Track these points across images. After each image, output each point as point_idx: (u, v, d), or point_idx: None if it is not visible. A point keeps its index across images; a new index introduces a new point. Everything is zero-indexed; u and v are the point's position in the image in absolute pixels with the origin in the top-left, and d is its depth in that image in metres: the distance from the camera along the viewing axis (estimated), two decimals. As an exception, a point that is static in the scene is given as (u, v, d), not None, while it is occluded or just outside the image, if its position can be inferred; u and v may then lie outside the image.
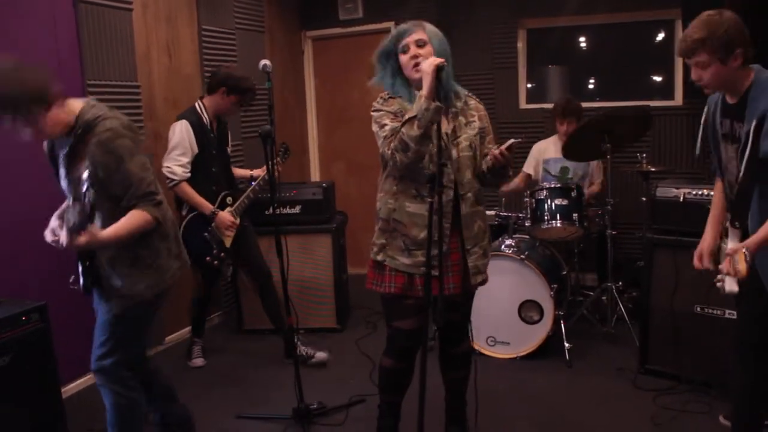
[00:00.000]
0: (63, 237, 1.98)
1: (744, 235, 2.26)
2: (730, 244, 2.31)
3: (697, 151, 2.60)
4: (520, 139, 2.38)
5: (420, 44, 2.38)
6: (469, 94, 2.58)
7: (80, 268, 2.34)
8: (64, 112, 2.24)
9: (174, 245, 2.48)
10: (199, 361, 3.93)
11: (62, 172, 2.37)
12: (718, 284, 2.47)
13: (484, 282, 2.63)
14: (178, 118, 3.63)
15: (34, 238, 3.26)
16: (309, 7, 5.89)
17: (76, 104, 2.29)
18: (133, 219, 2.21)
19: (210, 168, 3.68)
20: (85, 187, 2.16)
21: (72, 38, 3.50)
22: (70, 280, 2.44)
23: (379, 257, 2.53)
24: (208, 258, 3.62)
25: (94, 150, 2.19)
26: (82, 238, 2.01)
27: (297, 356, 3.10)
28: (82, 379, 3.62)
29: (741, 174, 2.23)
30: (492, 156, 2.36)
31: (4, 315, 2.65)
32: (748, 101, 2.20)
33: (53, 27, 3.39)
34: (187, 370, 3.85)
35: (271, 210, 3.03)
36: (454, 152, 2.43)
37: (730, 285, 2.33)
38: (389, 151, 2.35)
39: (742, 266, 2.00)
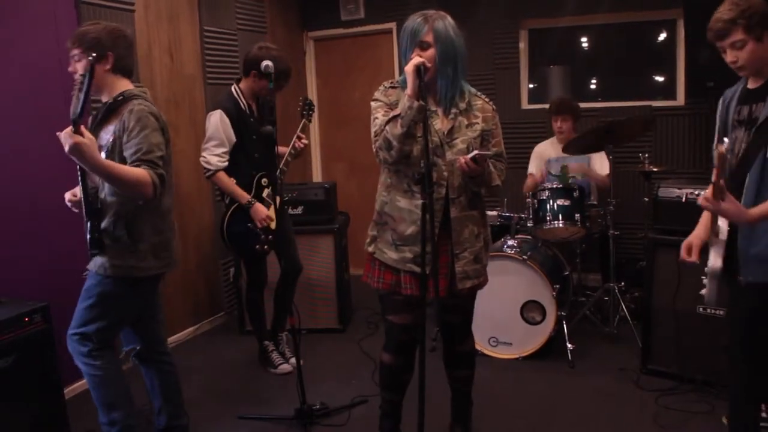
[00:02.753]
0: (63, 134, 2.11)
1: None
2: (721, 223, 2.31)
3: (716, 137, 2.57)
4: (488, 152, 2.37)
5: (423, 47, 2.35)
6: (478, 94, 2.53)
7: (88, 226, 2.42)
8: (111, 79, 2.45)
9: (161, 245, 2.53)
10: (287, 367, 3.76)
11: None
12: (702, 291, 2.47)
13: (480, 286, 2.61)
14: (213, 107, 3.55)
15: (36, 238, 3.29)
16: (310, 8, 5.89)
17: (129, 84, 2.50)
18: (134, 170, 2.28)
19: (252, 154, 3.54)
20: (107, 149, 2.37)
21: (74, 39, 3.50)
22: (83, 274, 2.53)
23: (370, 248, 2.58)
24: (257, 246, 3.53)
25: (126, 115, 2.36)
26: (86, 138, 2.12)
27: (298, 358, 3.09)
28: (84, 380, 3.61)
29: (745, 147, 2.21)
30: (459, 165, 2.34)
31: (7, 316, 2.65)
32: None
33: (54, 28, 3.39)
34: (188, 371, 3.84)
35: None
36: (448, 153, 2.41)
37: (715, 261, 2.33)
38: (375, 149, 2.40)
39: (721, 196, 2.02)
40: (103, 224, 2.41)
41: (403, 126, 2.26)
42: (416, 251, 2.43)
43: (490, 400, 3.21)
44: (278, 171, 3.55)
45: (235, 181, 3.51)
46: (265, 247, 3.57)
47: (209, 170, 3.48)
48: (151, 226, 2.47)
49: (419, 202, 2.33)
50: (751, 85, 2.32)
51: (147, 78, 4.06)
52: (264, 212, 3.53)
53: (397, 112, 2.29)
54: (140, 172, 2.27)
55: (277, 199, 3.60)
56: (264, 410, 3.29)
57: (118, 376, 2.61)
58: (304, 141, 3.72)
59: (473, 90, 2.52)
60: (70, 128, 2.10)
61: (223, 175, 3.49)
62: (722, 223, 2.32)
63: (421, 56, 2.32)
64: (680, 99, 4.92)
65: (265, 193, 3.61)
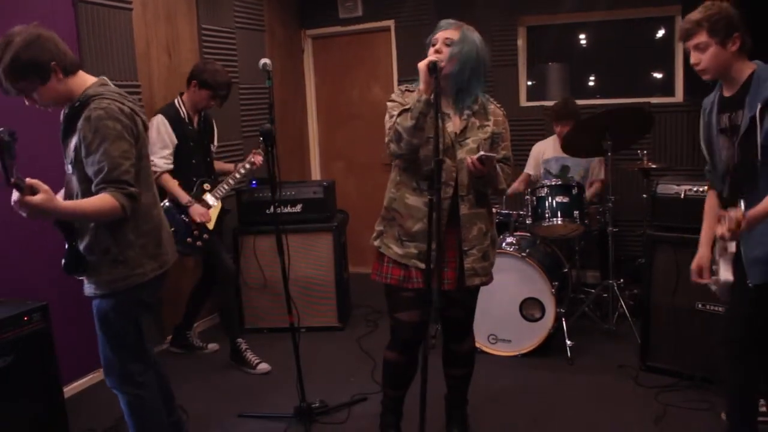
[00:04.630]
0: (14, 196, 1.90)
1: None
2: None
3: (702, 144, 2.58)
4: (494, 155, 2.38)
5: (447, 43, 2.38)
6: (490, 99, 2.58)
7: (66, 246, 2.32)
8: (66, 85, 2.23)
9: (152, 244, 2.38)
10: (265, 366, 3.80)
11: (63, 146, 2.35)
12: (713, 287, 2.49)
13: (485, 283, 2.63)
14: (155, 113, 3.72)
15: (35, 238, 3.29)
16: (309, 6, 5.88)
17: (88, 80, 2.29)
18: (98, 200, 2.12)
19: (190, 159, 3.75)
20: (71, 160, 2.22)
21: (71, 38, 3.49)
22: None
23: (376, 243, 2.61)
24: (189, 239, 3.69)
25: (83, 124, 2.17)
26: (37, 197, 1.92)
27: (298, 356, 3.09)
28: (83, 379, 3.62)
29: (739, 159, 2.24)
30: (466, 164, 2.38)
31: (6, 315, 2.65)
32: (750, 89, 2.22)
33: (53, 27, 3.33)
34: (186, 370, 3.84)
35: (272, 209, 3.03)
36: (459, 153, 2.44)
37: (725, 275, 2.35)
38: (386, 141, 2.42)
39: (734, 228, 2.04)
40: (86, 241, 2.28)
41: (413, 118, 2.29)
42: (421, 248, 2.46)
43: (489, 397, 3.22)
44: (225, 180, 3.84)
45: (177, 183, 3.71)
46: (198, 242, 3.70)
47: (156, 172, 3.56)
48: (134, 229, 2.31)
49: (428, 199, 2.36)
50: (726, 93, 2.34)
51: (145, 76, 4.06)
52: (201, 210, 3.72)
53: (408, 105, 2.33)
54: (104, 201, 2.11)
55: (219, 203, 3.84)
56: (263, 408, 3.29)
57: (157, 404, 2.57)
58: (259, 158, 3.88)
59: (487, 96, 2.56)
60: (16, 195, 1.90)
61: (167, 176, 3.67)
62: None
63: (441, 51, 2.36)
64: (678, 96, 4.93)
65: (207, 196, 3.80)
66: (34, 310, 2.75)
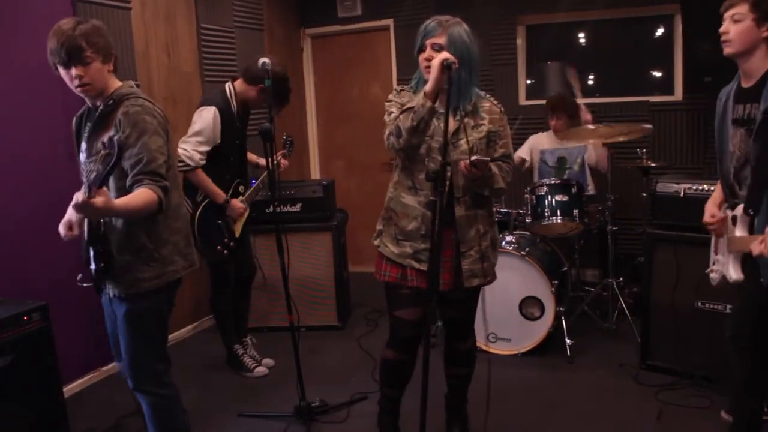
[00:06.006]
0: (79, 195, 1.91)
1: (753, 224, 2.27)
2: (738, 233, 2.32)
3: (717, 140, 2.58)
4: (487, 159, 2.34)
5: (435, 48, 2.35)
6: (486, 96, 2.54)
7: (92, 253, 2.28)
8: (108, 78, 2.31)
9: (182, 242, 2.42)
10: (262, 369, 3.76)
11: (84, 146, 2.35)
12: (712, 275, 2.49)
13: (487, 284, 2.62)
14: (206, 102, 3.48)
15: (35, 238, 3.29)
16: (307, 5, 5.89)
17: (117, 81, 2.36)
18: (140, 195, 2.16)
19: (228, 158, 3.54)
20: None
21: (71, 37, 3.49)
22: (78, 278, 2.38)
23: (376, 242, 2.61)
24: (219, 247, 3.50)
25: (121, 119, 2.22)
26: (99, 199, 1.93)
27: (297, 356, 3.09)
28: (83, 379, 3.62)
29: (758, 155, 2.22)
30: (460, 168, 2.36)
31: (6, 315, 2.65)
32: (767, 82, 2.21)
33: (51, 27, 3.37)
34: (187, 369, 3.84)
35: (271, 208, 3.03)
36: (452, 153, 2.41)
37: (736, 273, 2.35)
38: (386, 134, 2.40)
39: None
40: (116, 240, 2.27)
41: (414, 120, 2.28)
42: (416, 247, 2.47)
43: (488, 396, 3.21)
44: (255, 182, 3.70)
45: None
46: (225, 251, 3.53)
47: (189, 166, 3.39)
48: (167, 227, 2.35)
49: (422, 199, 2.36)
50: (744, 84, 2.34)
51: (144, 76, 4.06)
52: (241, 207, 3.58)
53: (412, 104, 2.31)
54: (147, 196, 2.15)
55: (248, 209, 3.69)
56: (263, 408, 3.29)
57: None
58: (284, 161, 3.87)
59: (482, 93, 2.53)
60: (80, 197, 1.90)
61: (201, 172, 3.45)
62: (740, 232, 2.32)
63: (433, 58, 2.30)
64: (678, 94, 4.93)
65: (240, 199, 3.64)
66: (34, 309, 2.74)
